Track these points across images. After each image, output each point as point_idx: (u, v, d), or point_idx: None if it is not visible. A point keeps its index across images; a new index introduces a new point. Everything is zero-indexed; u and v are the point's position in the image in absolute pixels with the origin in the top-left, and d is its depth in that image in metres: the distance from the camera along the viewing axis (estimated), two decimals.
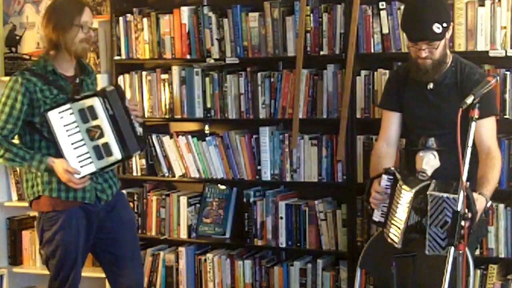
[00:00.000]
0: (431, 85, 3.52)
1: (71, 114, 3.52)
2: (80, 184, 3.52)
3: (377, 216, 3.43)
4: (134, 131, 3.65)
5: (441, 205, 3.10)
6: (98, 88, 3.78)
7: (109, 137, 3.54)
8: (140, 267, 3.87)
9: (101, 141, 3.54)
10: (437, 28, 3.34)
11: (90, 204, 3.61)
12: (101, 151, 3.54)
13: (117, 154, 3.56)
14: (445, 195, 3.10)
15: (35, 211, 3.74)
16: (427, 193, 3.15)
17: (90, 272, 4.32)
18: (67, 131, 3.52)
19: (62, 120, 3.51)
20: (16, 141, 3.60)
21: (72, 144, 3.53)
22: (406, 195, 3.24)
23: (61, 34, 3.53)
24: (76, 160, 3.53)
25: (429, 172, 3.28)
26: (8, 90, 3.52)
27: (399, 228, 3.27)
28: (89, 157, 3.54)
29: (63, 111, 3.52)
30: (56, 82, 3.57)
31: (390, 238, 3.32)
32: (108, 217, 3.69)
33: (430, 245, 3.15)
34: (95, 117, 3.52)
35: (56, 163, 3.50)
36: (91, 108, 3.52)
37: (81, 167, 3.53)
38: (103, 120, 3.53)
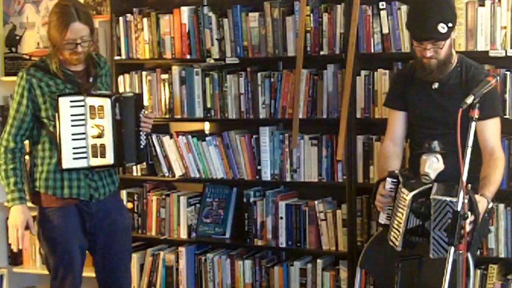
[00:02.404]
0: (436, 85, 3.52)
1: (82, 106, 3.55)
2: (16, 238, 3.57)
3: (382, 219, 3.44)
4: (137, 142, 3.68)
5: (444, 208, 3.11)
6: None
7: (108, 140, 3.57)
8: (129, 272, 3.87)
9: (99, 141, 3.57)
10: (442, 28, 3.33)
11: (84, 204, 3.62)
12: (97, 151, 3.57)
13: (109, 159, 3.59)
14: (448, 198, 3.10)
15: (33, 206, 3.75)
16: (431, 197, 3.15)
17: (90, 272, 4.30)
18: (72, 121, 3.55)
19: (71, 109, 3.54)
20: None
21: (73, 135, 3.56)
22: (404, 198, 3.24)
23: (53, 43, 3.54)
24: (71, 151, 3.55)
25: (432, 176, 3.26)
26: (16, 87, 3.57)
27: (398, 231, 3.27)
28: (85, 152, 3.57)
29: (75, 101, 3.55)
30: (63, 76, 3.57)
31: (391, 241, 3.32)
32: (104, 221, 3.68)
33: (434, 249, 3.16)
34: (101, 116, 3.55)
35: (17, 210, 3.55)
36: (100, 108, 3.55)
37: (74, 159, 3.55)
38: (108, 122, 3.56)
